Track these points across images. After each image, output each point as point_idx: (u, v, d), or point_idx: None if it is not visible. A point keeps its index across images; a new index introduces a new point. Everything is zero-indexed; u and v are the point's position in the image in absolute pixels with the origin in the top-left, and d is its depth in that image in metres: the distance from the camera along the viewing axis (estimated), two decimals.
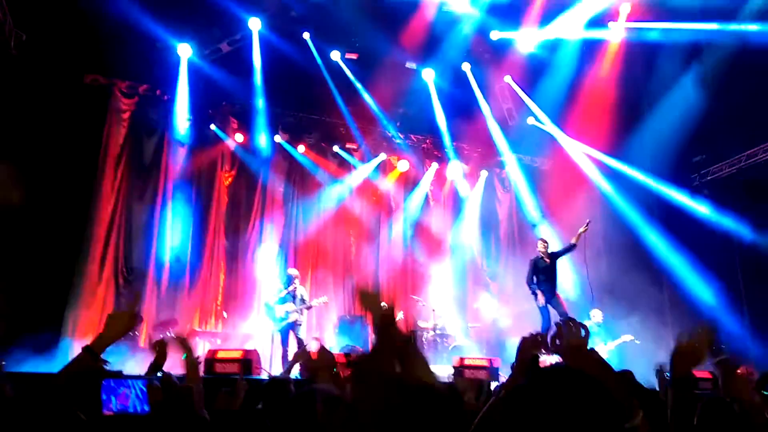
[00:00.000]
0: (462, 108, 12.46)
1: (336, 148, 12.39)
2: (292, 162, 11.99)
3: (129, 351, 7.63)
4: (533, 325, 9.25)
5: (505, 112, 12.93)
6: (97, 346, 2.02)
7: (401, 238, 12.59)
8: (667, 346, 10.60)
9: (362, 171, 12.51)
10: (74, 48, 9.36)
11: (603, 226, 11.56)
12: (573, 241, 9.06)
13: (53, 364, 6.58)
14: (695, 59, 10.80)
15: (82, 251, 9.57)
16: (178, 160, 10.86)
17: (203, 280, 10.59)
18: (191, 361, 2.85)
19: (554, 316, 8.77)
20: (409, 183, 13.07)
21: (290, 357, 8.80)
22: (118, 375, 2.92)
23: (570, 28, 11.07)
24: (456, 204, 13.34)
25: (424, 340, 10.02)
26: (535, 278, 8.99)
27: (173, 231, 10.45)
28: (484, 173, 13.43)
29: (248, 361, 6.98)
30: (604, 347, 9.44)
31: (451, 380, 7.19)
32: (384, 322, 1.83)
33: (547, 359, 8.01)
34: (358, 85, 11.81)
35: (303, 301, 9.14)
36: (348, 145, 12.51)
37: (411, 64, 11.79)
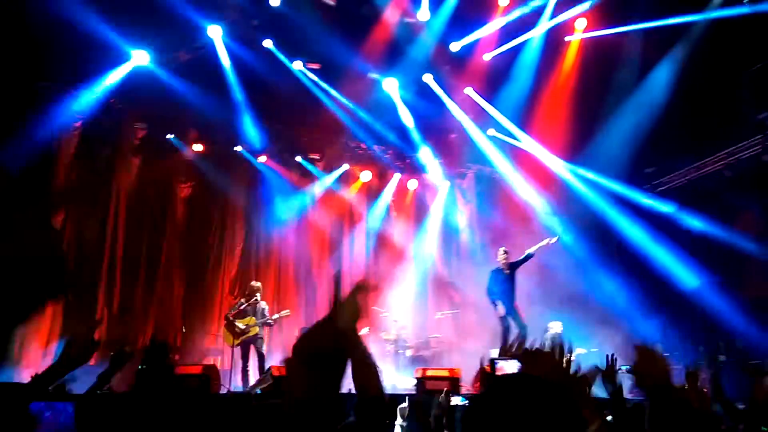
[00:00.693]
0: (424, 118, 12.56)
1: (298, 158, 12.29)
2: (253, 172, 11.81)
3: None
4: (494, 333, 9.36)
5: (466, 123, 13.08)
6: (49, 378, 1.83)
7: (363, 248, 12.55)
8: (624, 355, 10.87)
9: (325, 181, 12.44)
10: (24, 54, 9.03)
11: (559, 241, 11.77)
12: (531, 250, 9.19)
13: None
14: (650, 69, 11.19)
15: None
16: (132, 170, 10.57)
17: (159, 293, 10.30)
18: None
19: (513, 326, 8.87)
20: (371, 193, 13.07)
21: (250, 372, 8.63)
22: (50, 397, 2.69)
23: (529, 38, 11.38)
24: (418, 214, 13.39)
25: (387, 350, 9.99)
26: (495, 288, 9.07)
27: (127, 243, 10.15)
28: (446, 183, 13.54)
29: (207, 377, 6.81)
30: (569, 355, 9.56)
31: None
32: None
33: (506, 366, 8.10)
34: (321, 95, 11.76)
35: (264, 314, 8.95)
36: (311, 155, 12.44)
37: (374, 75, 11.83)
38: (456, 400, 6.60)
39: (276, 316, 9.16)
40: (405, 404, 5.04)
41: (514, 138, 12.72)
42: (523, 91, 11.82)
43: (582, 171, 12.35)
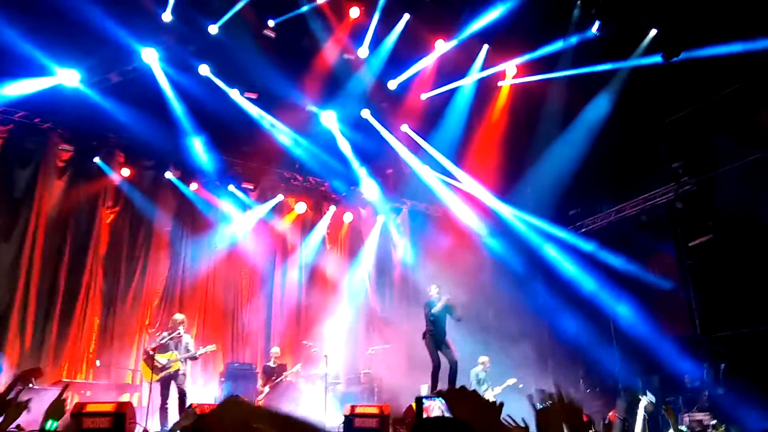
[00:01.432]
0: (361, 152, 12.70)
1: (231, 187, 12.04)
2: (182, 200, 11.45)
3: None
4: (425, 369, 9.36)
5: (403, 158, 13.32)
6: None
7: (296, 281, 12.36)
8: (547, 386, 11.16)
9: (258, 211, 12.24)
10: None
11: (489, 273, 12.10)
12: (456, 317, 9.05)
13: None
14: (575, 115, 11.89)
15: None
16: (54, 193, 10.02)
17: (75, 325, 9.68)
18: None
19: (444, 360, 8.90)
20: (306, 225, 12.96)
21: (170, 410, 8.18)
22: None
23: (463, 81, 11.89)
24: (353, 248, 13.37)
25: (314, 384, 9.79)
26: (426, 322, 9.09)
27: (43, 272, 9.53)
28: (380, 218, 13.64)
29: (121, 415, 6.38)
30: (491, 392, 9.70)
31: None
32: None
33: (432, 406, 8.08)
34: (258, 124, 11.67)
35: (188, 349, 8.51)
36: (244, 185, 12.22)
37: (312, 107, 11.89)
38: None
39: (201, 350, 8.73)
40: None
41: (449, 175, 13.07)
42: (457, 130, 12.31)
43: (512, 209, 12.82)
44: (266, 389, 9.83)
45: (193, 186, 11.48)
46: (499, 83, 12.21)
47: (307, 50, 11.09)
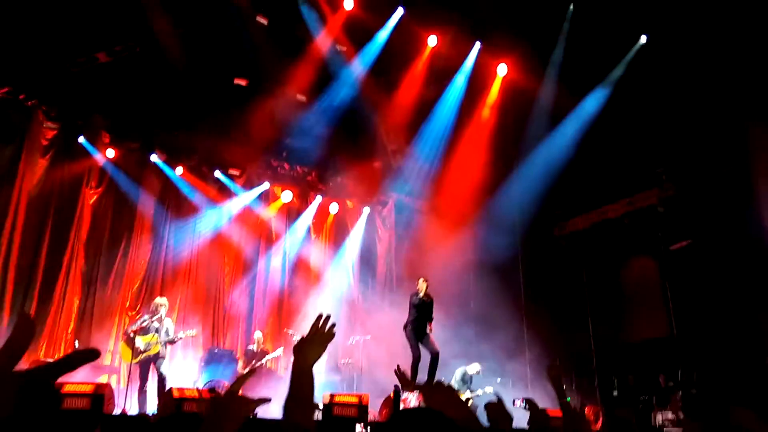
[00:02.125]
0: (349, 144, 12.66)
1: (217, 173, 11.98)
2: (167, 183, 11.36)
3: None
4: (405, 360, 9.43)
5: (389, 152, 13.33)
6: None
7: (280, 269, 12.35)
8: (524, 387, 11.34)
9: (243, 198, 12.19)
10: None
11: (472, 268, 12.20)
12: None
13: None
14: (562, 115, 12.00)
15: None
16: (37, 172, 9.89)
17: (55, 305, 9.60)
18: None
19: (426, 354, 8.99)
20: (291, 214, 12.94)
21: (148, 392, 8.18)
22: None
23: (453, 77, 11.92)
24: (337, 239, 13.39)
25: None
26: (409, 313, 9.16)
27: (23, 249, 9.42)
28: (366, 210, 13.66)
29: (100, 396, 6.37)
30: (469, 394, 9.81)
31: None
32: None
33: (410, 397, 8.16)
34: (246, 111, 11.58)
35: (168, 333, 8.51)
36: (230, 171, 12.16)
37: (301, 96, 11.83)
38: (358, 429, 6.59)
39: (181, 334, 8.73)
40: None
41: (436, 169, 13.09)
42: (446, 125, 12.30)
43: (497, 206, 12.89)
44: (245, 372, 9.84)
45: (179, 170, 11.41)
46: (490, 80, 12.24)
47: (300, 39, 11.02)
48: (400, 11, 11.05)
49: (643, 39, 11.05)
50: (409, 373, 7.35)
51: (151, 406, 7.95)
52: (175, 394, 6.51)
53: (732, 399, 8.59)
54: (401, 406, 7.82)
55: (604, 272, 12.40)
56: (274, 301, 12.02)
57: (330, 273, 12.74)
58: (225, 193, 12.04)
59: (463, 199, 13.14)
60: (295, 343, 1.85)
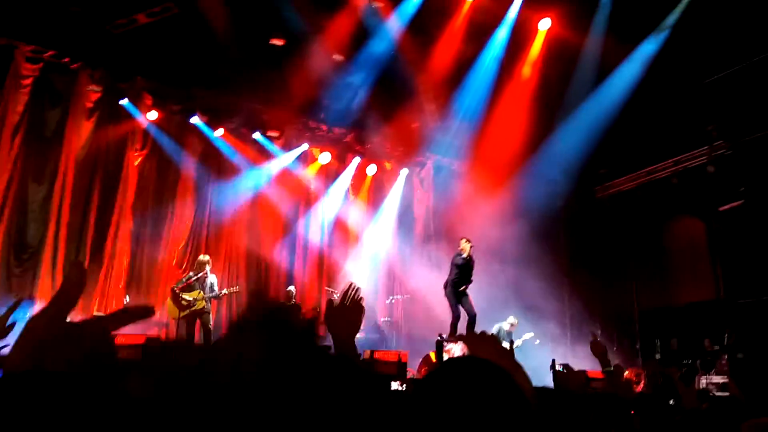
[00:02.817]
0: (386, 105, 12.50)
1: (257, 135, 12.05)
2: (208, 145, 11.52)
3: None
4: (442, 323, 9.50)
5: (428, 112, 13.10)
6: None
7: (319, 230, 12.48)
8: (564, 347, 11.29)
9: (283, 160, 12.27)
10: None
11: (514, 233, 12.05)
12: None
13: None
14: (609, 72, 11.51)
15: None
16: (83, 134, 10.15)
17: (105, 262, 9.98)
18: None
19: (463, 313, 9.03)
20: (330, 176, 12.98)
21: None
22: None
23: (494, 33, 11.52)
24: (375, 200, 13.40)
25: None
26: (450, 273, 9.18)
27: (73, 210, 9.77)
28: (404, 171, 13.57)
29: (150, 348, 6.64)
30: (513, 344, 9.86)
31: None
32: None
33: (453, 348, 8.22)
34: (284, 73, 11.52)
35: (212, 289, 8.80)
36: (269, 133, 12.21)
37: (338, 56, 11.68)
38: (395, 386, 6.69)
39: (225, 291, 9.03)
40: None
41: (475, 129, 12.83)
42: (486, 83, 11.96)
43: (539, 166, 12.60)
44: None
45: (219, 132, 11.53)
46: (533, 33, 11.76)
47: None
48: None
49: None
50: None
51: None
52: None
53: None
54: (444, 357, 7.88)
55: (648, 233, 12.08)
56: (314, 260, 12.20)
57: (368, 233, 12.81)
58: (264, 154, 12.14)
59: (503, 159, 12.87)
60: (326, 310, 1.85)
